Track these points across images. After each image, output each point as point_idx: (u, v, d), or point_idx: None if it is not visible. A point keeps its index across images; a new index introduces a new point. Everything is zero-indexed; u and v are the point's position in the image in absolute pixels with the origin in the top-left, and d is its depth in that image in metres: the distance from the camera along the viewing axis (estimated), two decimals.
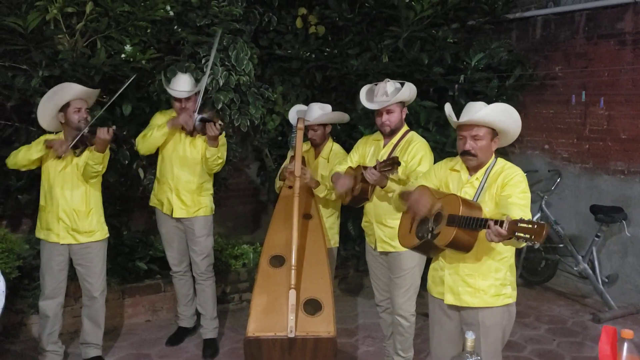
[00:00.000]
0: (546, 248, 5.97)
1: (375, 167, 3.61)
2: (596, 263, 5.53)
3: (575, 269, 5.67)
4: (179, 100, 4.29)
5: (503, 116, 2.95)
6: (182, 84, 4.31)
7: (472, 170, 3.04)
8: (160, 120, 4.41)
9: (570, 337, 4.92)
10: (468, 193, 2.99)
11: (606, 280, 5.56)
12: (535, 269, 6.11)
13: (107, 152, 3.99)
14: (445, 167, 3.19)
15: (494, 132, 2.97)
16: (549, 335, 4.97)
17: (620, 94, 5.49)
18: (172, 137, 4.37)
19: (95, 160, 3.82)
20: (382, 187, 3.71)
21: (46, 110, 3.90)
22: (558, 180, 6.01)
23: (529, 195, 2.88)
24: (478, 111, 2.91)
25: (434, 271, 3.17)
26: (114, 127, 3.77)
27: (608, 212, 5.42)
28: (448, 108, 3.13)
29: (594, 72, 5.68)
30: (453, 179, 3.11)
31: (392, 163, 3.49)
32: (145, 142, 4.32)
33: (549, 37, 6.10)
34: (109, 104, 4.02)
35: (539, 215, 5.94)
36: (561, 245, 5.82)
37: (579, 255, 5.61)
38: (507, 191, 2.85)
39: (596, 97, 5.65)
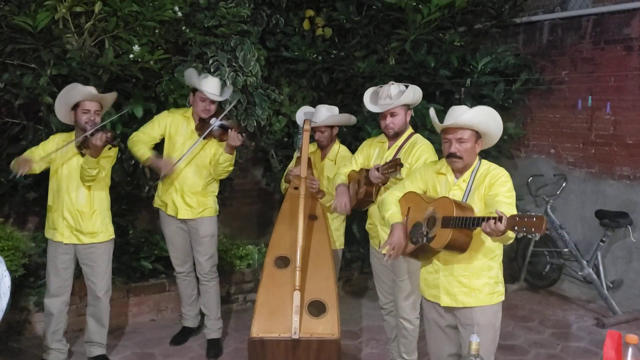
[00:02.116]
0: (551, 252, 5.97)
1: (378, 170, 3.63)
2: (601, 268, 5.51)
3: (579, 273, 5.66)
4: (205, 100, 4.30)
5: (487, 119, 3.04)
6: (215, 88, 4.34)
7: (458, 172, 3.11)
8: (165, 120, 4.44)
9: (574, 342, 4.91)
10: (456, 195, 3.05)
11: (611, 285, 5.54)
12: (540, 273, 6.10)
13: (111, 158, 4.01)
14: (431, 171, 3.25)
15: (478, 135, 3.05)
16: (553, 339, 4.96)
17: (627, 99, 5.48)
18: (182, 136, 4.39)
19: (89, 164, 3.81)
20: (383, 185, 3.75)
21: (60, 107, 3.95)
22: (563, 184, 6.00)
23: (514, 194, 2.97)
24: (462, 114, 2.99)
25: (427, 274, 3.22)
26: (109, 133, 3.77)
27: (613, 217, 5.41)
28: (432, 112, 3.21)
29: (600, 77, 5.67)
30: (440, 181, 3.17)
31: (395, 165, 3.52)
32: (132, 151, 4.38)
33: (555, 42, 6.10)
34: (107, 121, 4.05)
35: None
36: (566, 250, 5.81)
37: (584, 260, 5.60)
38: (494, 190, 2.94)
39: (602, 102, 5.64)
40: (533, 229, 2.50)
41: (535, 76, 6.12)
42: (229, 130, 4.14)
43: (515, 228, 2.56)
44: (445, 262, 3.08)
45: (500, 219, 2.59)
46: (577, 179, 5.97)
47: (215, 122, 4.24)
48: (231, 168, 4.34)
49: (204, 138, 4.28)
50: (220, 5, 5.01)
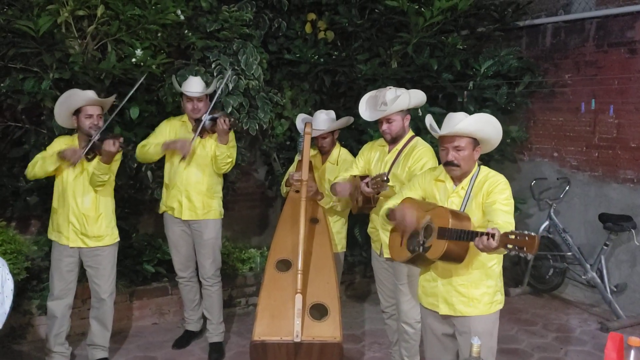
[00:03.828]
0: (554, 256, 5.94)
1: (367, 184, 3.65)
2: (604, 272, 5.49)
3: (583, 277, 5.63)
4: (191, 100, 4.34)
5: (483, 126, 3.00)
6: (194, 86, 4.37)
7: (456, 180, 3.08)
8: (165, 128, 4.49)
9: (577, 346, 4.89)
10: (455, 203, 3.03)
11: (615, 289, 5.51)
12: (543, 277, 6.08)
13: (118, 162, 4.03)
14: (429, 178, 3.23)
15: (476, 142, 3.02)
16: (557, 344, 4.94)
17: (630, 102, 5.46)
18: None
19: (101, 170, 3.85)
20: (377, 194, 3.76)
21: (60, 113, 3.98)
22: (567, 188, 5.98)
23: (512, 202, 2.94)
24: (459, 122, 2.95)
25: (425, 282, 3.20)
26: (121, 139, 3.79)
27: (617, 220, 5.38)
28: (429, 119, 3.17)
29: (603, 80, 5.65)
30: (439, 189, 3.15)
31: (381, 181, 3.53)
32: (142, 155, 4.41)
33: (558, 45, 6.09)
34: (118, 108, 4.06)
35: (547, 223, 5.91)
36: (569, 254, 5.78)
37: (588, 264, 5.58)
38: (492, 198, 2.91)
39: (606, 105, 5.61)
40: (525, 249, 2.46)
41: (539, 79, 6.11)
42: (217, 119, 4.18)
43: (508, 246, 2.52)
44: (443, 271, 3.07)
45: (493, 235, 2.56)
46: (580, 183, 5.96)
47: (205, 117, 4.28)
48: (230, 160, 4.33)
49: (199, 134, 4.31)
50: (223, 9, 5.02)
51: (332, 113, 4.46)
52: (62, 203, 4.02)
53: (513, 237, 2.50)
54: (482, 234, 2.62)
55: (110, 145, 3.74)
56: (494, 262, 3.04)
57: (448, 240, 2.80)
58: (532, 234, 2.48)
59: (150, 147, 4.35)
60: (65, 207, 4.00)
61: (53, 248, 4.12)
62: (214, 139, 4.32)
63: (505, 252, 2.63)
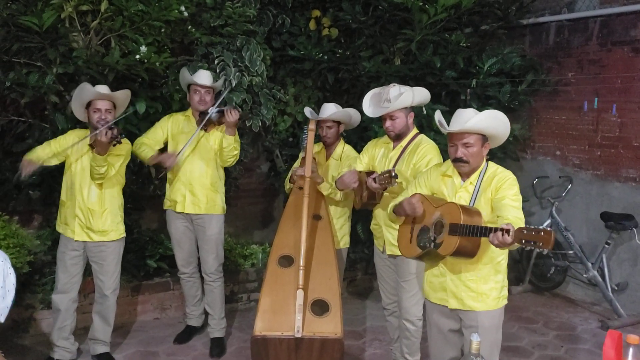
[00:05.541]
0: (556, 254, 5.94)
1: (375, 180, 3.64)
2: (606, 270, 5.49)
3: (584, 276, 5.64)
4: (199, 92, 4.38)
5: (493, 122, 3.01)
6: (204, 78, 4.42)
7: (464, 175, 3.09)
8: (166, 124, 4.52)
9: (578, 344, 4.89)
10: (463, 198, 3.03)
11: (616, 288, 5.52)
12: (545, 276, 6.08)
13: (121, 157, 4.03)
14: (436, 173, 3.23)
15: (485, 138, 3.03)
16: (557, 341, 4.94)
17: (633, 101, 5.46)
18: (184, 134, 4.41)
19: (96, 162, 3.84)
20: (384, 190, 3.75)
21: (75, 106, 4.03)
22: (569, 186, 5.98)
23: (520, 197, 2.96)
24: (468, 119, 2.96)
25: (432, 277, 3.20)
26: (115, 130, 3.79)
27: (619, 219, 5.38)
28: (438, 115, 3.18)
29: (606, 78, 5.65)
30: (446, 184, 3.15)
31: (389, 177, 3.51)
32: (137, 154, 4.41)
33: (562, 43, 6.08)
34: (114, 120, 4.05)
35: (549, 221, 5.91)
36: (571, 252, 5.78)
37: (589, 263, 5.58)
38: (501, 194, 2.92)
39: (609, 104, 5.61)
40: (541, 244, 2.48)
41: (542, 77, 6.10)
42: (225, 110, 4.19)
43: (523, 241, 2.53)
44: (452, 266, 3.07)
45: (507, 231, 2.57)
46: (582, 181, 5.95)
47: (212, 110, 4.30)
48: (236, 152, 4.34)
49: (204, 127, 4.32)
50: (227, 5, 5.01)
51: (339, 107, 4.46)
52: (70, 196, 4.05)
53: (528, 232, 2.52)
54: (495, 229, 2.62)
55: (102, 135, 3.74)
56: (502, 257, 3.05)
57: (460, 236, 2.81)
58: (548, 229, 2.51)
59: (142, 151, 4.36)
60: (73, 200, 4.03)
61: (60, 240, 4.15)
62: (220, 130, 4.33)
63: (518, 247, 2.64)
